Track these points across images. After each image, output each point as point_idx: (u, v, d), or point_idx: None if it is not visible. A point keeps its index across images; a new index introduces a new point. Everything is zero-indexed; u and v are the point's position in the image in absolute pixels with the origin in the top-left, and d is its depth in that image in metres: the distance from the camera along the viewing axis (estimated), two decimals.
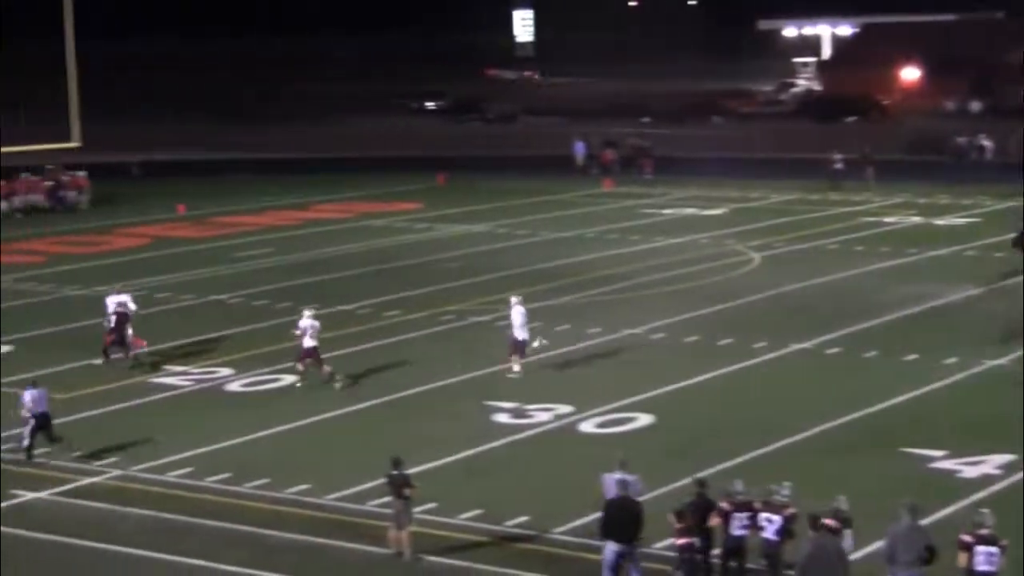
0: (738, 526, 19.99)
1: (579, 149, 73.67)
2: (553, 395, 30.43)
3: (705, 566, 20.24)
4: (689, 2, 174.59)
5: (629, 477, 20.64)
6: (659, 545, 21.11)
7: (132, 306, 34.65)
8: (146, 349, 34.44)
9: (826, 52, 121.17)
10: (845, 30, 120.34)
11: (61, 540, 22.99)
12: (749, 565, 20.15)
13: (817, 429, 27.85)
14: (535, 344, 32.61)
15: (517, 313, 32.32)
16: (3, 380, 32.14)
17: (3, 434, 27.93)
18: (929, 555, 18.66)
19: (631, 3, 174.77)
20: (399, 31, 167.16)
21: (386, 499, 22.44)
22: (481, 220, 56.49)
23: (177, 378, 32.82)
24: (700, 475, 21.52)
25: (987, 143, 72.02)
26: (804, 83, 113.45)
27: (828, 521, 19.22)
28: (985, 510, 19.12)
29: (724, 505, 20.11)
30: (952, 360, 32.62)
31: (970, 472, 25.16)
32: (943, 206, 57.58)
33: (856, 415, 28.72)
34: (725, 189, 63.84)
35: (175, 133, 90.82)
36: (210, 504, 24.39)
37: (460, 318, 38.37)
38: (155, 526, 23.49)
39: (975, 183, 61.44)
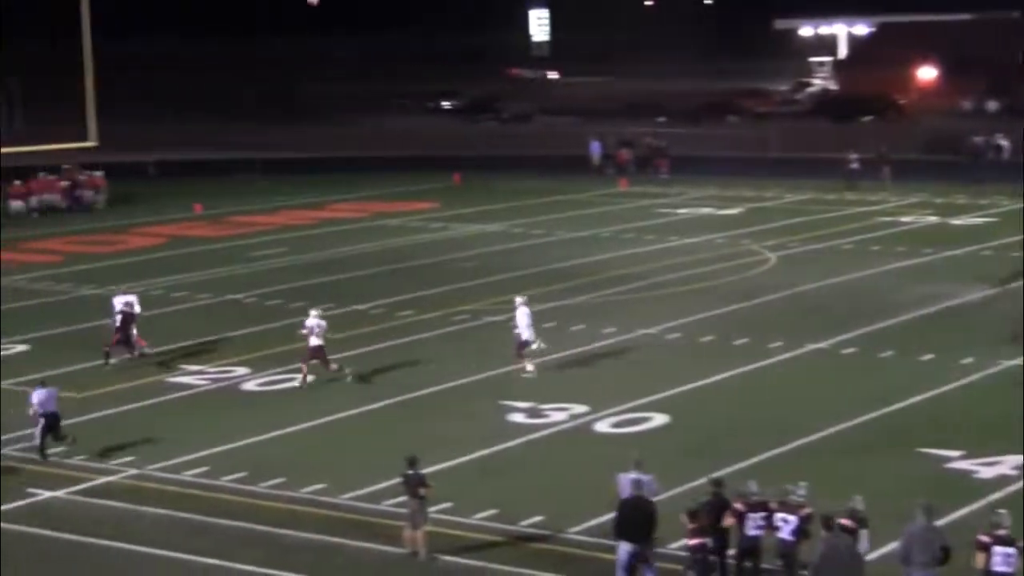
0: (753, 526, 19.96)
1: (595, 149, 73.62)
2: (568, 395, 30.42)
3: (720, 567, 20.20)
4: (705, 1, 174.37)
5: (644, 477, 20.62)
6: (674, 545, 21.08)
7: (137, 308, 34.72)
8: (149, 350, 34.43)
9: (842, 51, 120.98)
10: (861, 29, 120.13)
11: (77, 539, 23.05)
12: (764, 565, 20.12)
13: (833, 429, 27.80)
14: (534, 346, 32.53)
15: (522, 314, 32.33)
16: (19, 379, 32.24)
17: (15, 434, 27.92)
18: (944, 556, 18.62)
19: (647, 2, 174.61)
20: (413, 30, 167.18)
21: (401, 499, 22.45)
22: (496, 220, 56.49)
23: (193, 377, 32.88)
24: (716, 475, 21.50)
25: (1004, 143, 71.72)
26: (820, 82, 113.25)
27: (844, 521, 19.19)
28: (1003, 511, 19.07)
29: (738, 506, 20.08)
30: (968, 360, 32.53)
31: (986, 472, 25.09)
32: (960, 206, 57.45)
33: (872, 415, 28.66)
34: (741, 189, 63.77)
35: (185, 133, 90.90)
36: (225, 503, 24.42)
37: (475, 318, 38.37)
38: (171, 525, 23.53)
39: (992, 183, 61.21)
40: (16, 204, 61.33)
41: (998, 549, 18.32)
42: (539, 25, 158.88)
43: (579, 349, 34.58)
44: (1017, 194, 57.56)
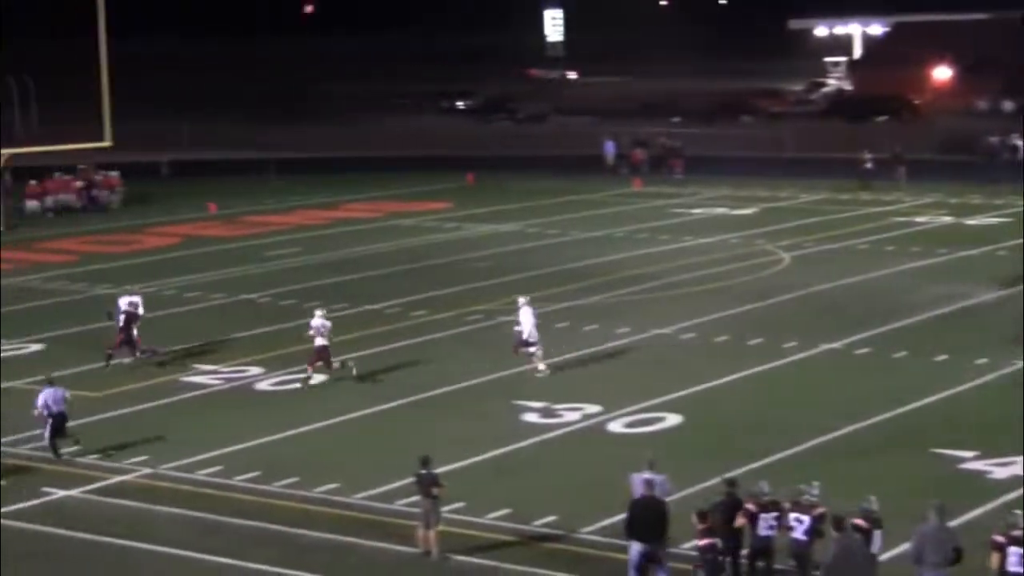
0: (765, 527, 19.93)
1: (609, 149, 73.60)
2: (582, 395, 30.41)
3: (733, 566, 20.15)
4: (720, 1, 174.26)
5: (656, 477, 20.60)
6: (687, 545, 21.05)
7: (141, 309, 34.71)
8: (152, 352, 34.35)
9: (857, 51, 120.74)
10: (876, 29, 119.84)
11: (91, 538, 23.09)
12: (777, 566, 20.09)
13: (847, 429, 27.76)
14: (532, 349, 32.46)
15: (527, 313, 32.35)
16: (34, 378, 32.25)
17: (26, 433, 27.94)
18: (956, 556, 18.58)
19: (661, 2, 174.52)
20: (424, 30, 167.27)
21: (414, 498, 22.46)
22: (510, 220, 56.49)
23: (206, 377, 32.92)
24: (730, 475, 21.47)
25: (1020, 143, 71.63)
26: (835, 82, 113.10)
27: (858, 521, 19.16)
28: (1018, 511, 19.04)
29: (750, 506, 20.04)
30: (983, 361, 32.46)
31: (1000, 473, 25.02)
32: (975, 206, 57.32)
33: (886, 415, 28.61)
34: (755, 189, 63.70)
35: (196, 133, 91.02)
36: (239, 502, 24.45)
37: (488, 318, 38.37)
38: (184, 524, 23.56)
39: (1007, 183, 61.08)
40: (32, 204, 61.48)
41: (1013, 549, 18.28)
42: (553, 25, 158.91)
43: (593, 349, 34.57)
44: None
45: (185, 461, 26.61)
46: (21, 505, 24.55)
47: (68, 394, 27.74)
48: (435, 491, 21.70)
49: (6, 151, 59.31)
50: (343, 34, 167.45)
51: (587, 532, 22.70)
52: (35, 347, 36.29)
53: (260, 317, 39.16)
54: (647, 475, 20.50)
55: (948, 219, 54.47)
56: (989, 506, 23.18)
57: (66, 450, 27.14)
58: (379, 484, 24.93)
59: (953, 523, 19.59)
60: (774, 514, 19.91)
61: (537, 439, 27.78)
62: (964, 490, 23.95)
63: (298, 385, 31.58)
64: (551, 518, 23.28)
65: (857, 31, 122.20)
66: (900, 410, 28.98)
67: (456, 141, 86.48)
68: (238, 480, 25.58)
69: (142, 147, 78.98)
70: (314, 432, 28.58)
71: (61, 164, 63.53)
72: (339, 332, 33.07)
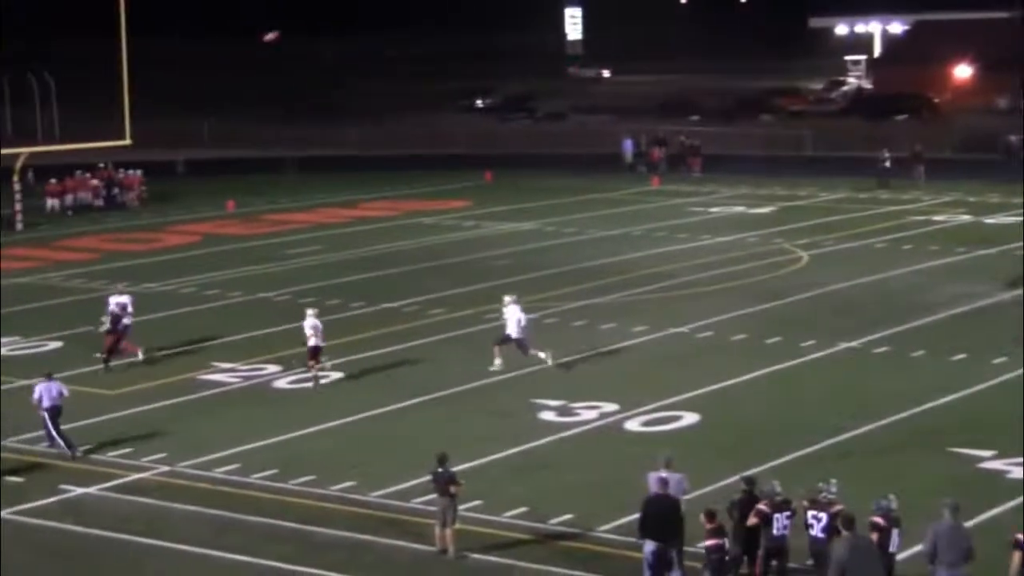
0: (778, 527, 19.89)
1: (628, 147, 73.62)
2: (599, 393, 30.40)
3: (749, 565, 20.10)
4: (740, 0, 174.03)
5: (673, 476, 20.58)
6: (702, 544, 21.01)
7: (130, 309, 34.47)
8: (139, 357, 34.03)
9: (877, 50, 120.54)
10: (897, 28, 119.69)
11: (108, 535, 23.14)
12: (792, 565, 20.05)
13: (865, 428, 27.70)
14: (531, 353, 32.44)
15: (512, 312, 32.32)
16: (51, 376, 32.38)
17: (39, 432, 27.96)
18: (967, 555, 18.52)
19: (681, 0, 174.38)
20: (447, 30, 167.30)
21: (431, 496, 22.48)
22: (529, 218, 56.50)
23: (224, 375, 32.98)
24: (747, 473, 21.44)
25: None
26: (854, 81, 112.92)
27: (877, 519, 19.12)
28: None
29: (763, 506, 19.99)
30: (1001, 360, 32.36)
31: (1019, 472, 24.91)
32: (993, 205, 57.17)
33: (904, 415, 28.55)
34: (773, 187, 63.64)
35: (213, 132, 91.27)
36: (256, 500, 24.48)
37: None
38: (201, 521, 23.60)
39: None
40: (52, 202, 61.68)
41: None
42: (572, 24, 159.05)
43: (610, 347, 34.56)
44: None
45: (202, 459, 26.65)
46: (39, 502, 24.61)
47: (66, 390, 27.66)
48: (452, 489, 21.70)
49: (26, 150, 59.51)
50: (365, 34, 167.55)
51: (604, 531, 22.68)
52: (53, 344, 36.40)
53: (279, 315, 39.19)
54: (663, 473, 20.49)
55: (967, 218, 54.33)
56: (1007, 505, 23.12)
57: (45, 446, 27.05)
58: (396, 482, 24.95)
59: (971, 523, 19.53)
60: (787, 513, 19.88)
61: (554, 437, 27.78)
62: (982, 490, 23.88)
63: (310, 385, 31.59)
64: (568, 516, 23.27)
65: (877, 29, 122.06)
66: (918, 409, 28.91)
67: (475, 140, 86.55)
68: (255, 478, 25.61)
69: (163, 145, 79.28)
70: (331, 430, 28.61)
71: (82, 162, 63.71)
72: (356, 330, 33.10)
